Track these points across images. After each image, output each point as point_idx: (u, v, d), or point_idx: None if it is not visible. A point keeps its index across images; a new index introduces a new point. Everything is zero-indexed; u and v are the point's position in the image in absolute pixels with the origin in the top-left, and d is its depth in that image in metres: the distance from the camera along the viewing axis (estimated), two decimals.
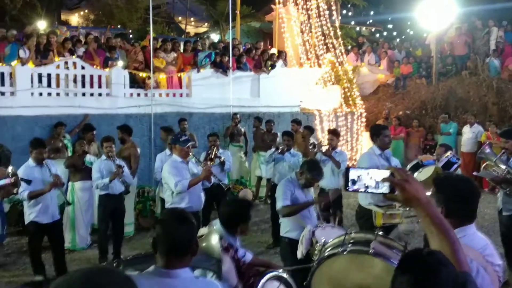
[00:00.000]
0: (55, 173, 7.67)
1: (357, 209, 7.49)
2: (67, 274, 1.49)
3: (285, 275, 4.32)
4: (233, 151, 13.36)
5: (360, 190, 2.50)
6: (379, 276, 3.36)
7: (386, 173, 2.44)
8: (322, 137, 15.89)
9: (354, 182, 2.49)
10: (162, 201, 9.54)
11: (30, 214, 7.63)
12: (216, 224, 4.30)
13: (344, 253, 3.55)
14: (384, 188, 2.43)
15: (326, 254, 3.73)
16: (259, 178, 13.50)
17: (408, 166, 7.67)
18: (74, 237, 9.39)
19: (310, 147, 9.69)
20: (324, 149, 9.59)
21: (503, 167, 7.27)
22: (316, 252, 5.50)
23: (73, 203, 9.07)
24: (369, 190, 2.48)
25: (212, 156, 9.40)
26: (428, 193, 6.49)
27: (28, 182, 7.43)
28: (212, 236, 3.49)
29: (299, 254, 5.74)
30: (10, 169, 7.16)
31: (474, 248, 2.82)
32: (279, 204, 6.24)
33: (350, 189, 2.52)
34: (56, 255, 8.00)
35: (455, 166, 7.96)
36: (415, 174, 7.22)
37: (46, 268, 7.98)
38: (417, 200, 2.35)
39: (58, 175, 7.72)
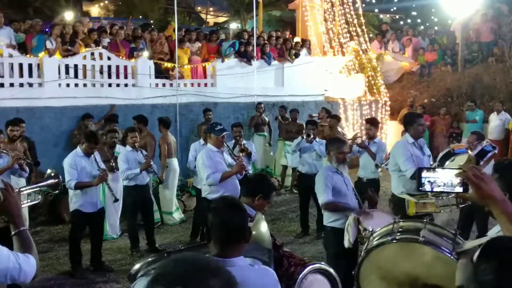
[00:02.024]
0: (103, 168, 7.84)
1: (390, 198, 7.46)
2: (171, 261, 1.47)
3: (329, 269, 4.26)
4: (257, 140, 13.38)
5: (433, 190, 2.49)
6: (429, 264, 3.32)
7: (457, 172, 2.42)
8: (346, 125, 15.84)
9: (426, 182, 2.48)
10: (197, 190, 9.59)
11: (75, 202, 7.79)
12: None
13: (394, 241, 3.51)
14: (457, 188, 2.42)
15: (374, 243, 3.69)
16: (285, 167, 13.47)
17: (440, 155, 7.55)
18: (105, 227, 9.44)
19: (351, 140, 9.50)
20: (359, 140, 9.45)
21: None
22: (365, 239, 5.48)
23: (104, 193, 9.14)
24: (442, 189, 2.47)
25: (243, 147, 9.42)
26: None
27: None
28: (261, 224, 3.46)
29: (347, 243, 5.65)
30: (48, 171, 7.26)
31: None
32: (321, 199, 6.15)
33: (423, 189, 2.52)
34: (94, 244, 8.11)
35: (490, 154, 7.82)
36: (447, 163, 7.11)
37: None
38: (493, 199, 2.33)
39: (105, 169, 7.88)
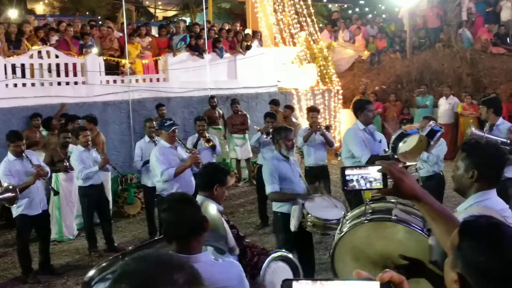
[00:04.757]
0: (37, 164, 7.55)
1: None
2: (132, 259, 1.44)
3: (289, 255, 4.35)
4: (212, 134, 13.32)
5: (356, 188, 2.55)
6: (401, 241, 3.41)
7: (379, 168, 2.50)
8: (300, 115, 15.93)
9: (351, 180, 2.54)
10: (145, 188, 9.53)
11: (18, 207, 7.48)
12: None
13: (366, 221, 3.59)
14: (378, 184, 2.49)
15: (347, 225, 3.75)
16: (238, 161, 13.48)
17: (393, 137, 7.67)
18: (61, 228, 9.29)
19: (324, 129, 9.52)
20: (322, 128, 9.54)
21: (494, 140, 7.37)
22: (308, 223, 5.66)
23: (59, 194, 8.97)
24: (365, 186, 2.53)
25: (208, 138, 9.45)
26: (414, 163, 6.52)
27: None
28: (209, 207, 3.44)
29: (292, 227, 5.90)
30: (5, 185, 7.16)
31: (495, 209, 2.91)
32: (268, 189, 6.29)
33: (348, 188, 2.56)
34: (43, 246, 7.94)
35: (438, 134, 7.98)
36: (400, 144, 7.22)
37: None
38: (415, 192, 2.42)
39: (40, 165, 7.61)
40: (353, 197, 7.03)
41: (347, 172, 2.55)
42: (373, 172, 2.50)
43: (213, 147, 9.48)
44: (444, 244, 2.26)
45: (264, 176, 6.35)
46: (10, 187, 7.11)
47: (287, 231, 6.04)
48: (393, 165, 2.48)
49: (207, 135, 9.62)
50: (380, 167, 2.50)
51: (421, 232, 3.37)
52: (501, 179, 7.62)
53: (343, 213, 5.68)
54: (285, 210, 6.26)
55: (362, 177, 2.53)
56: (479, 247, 1.76)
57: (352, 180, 2.54)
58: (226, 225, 4.16)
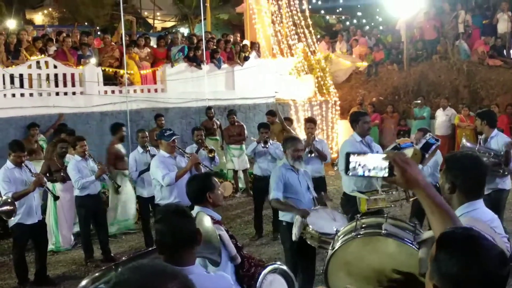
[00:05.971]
0: (37, 172, 7.63)
1: (342, 197, 7.56)
2: (127, 269, 1.47)
3: (285, 268, 4.39)
4: (209, 144, 13.32)
5: (360, 174, 2.54)
6: (393, 255, 3.41)
7: (384, 156, 2.50)
8: (298, 126, 15.97)
9: (354, 167, 2.54)
10: (141, 199, 9.56)
11: (15, 216, 7.45)
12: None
13: (358, 237, 3.60)
14: (384, 172, 2.49)
15: (340, 241, 3.77)
16: (235, 171, 13.48)
17: (386, 150, 7.72)
18: (58, 238, 9.29)
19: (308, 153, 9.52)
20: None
21: (486, 153, 7.41)
22: (308, 235, 5.68)
23: (55, 203, 8.97)
24: (370, 173, 2.52)
25: (209, 148, 9.49)
26: None
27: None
28: (204, 220, 3.46)
29: (293, 237, 5.93)
30: (4, 198, 7.18)
31: (482, 220, 2.93)
32: (270, 195, 6.33)
33: (350, 174, 2.56)
34: (40, 255, 7.90)
35: (433, 147, 8.04)
36: None
37: None
38: (417, 182, 2.43)
39: (39, 173, 7.68)
40: (350, 209, 7.05)
41: (351, 158, 2.55)
42: (378, 160, 2.51)
43: (212, 158, 9.52)
44: None
45: (270, 182, 6.41)
46: (9, 200, 7.12)
47: (291, 240, 6.08)
48: (398, 154, 2.50)
49: (208, 146, 9.67)
50: (385, 155, 2.51)
51: (411, 245, 3.38)
52: (494, 190, 7.71)
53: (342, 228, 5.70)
54: (288, 219, 6.30)
55: (365, 164, 2.54)
56: (453, 259, 1.77)
57: (354, 167, 2.54)
58: (225, 236, 4.18)
